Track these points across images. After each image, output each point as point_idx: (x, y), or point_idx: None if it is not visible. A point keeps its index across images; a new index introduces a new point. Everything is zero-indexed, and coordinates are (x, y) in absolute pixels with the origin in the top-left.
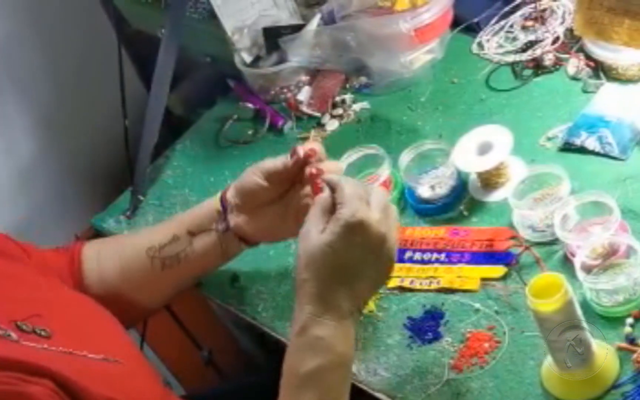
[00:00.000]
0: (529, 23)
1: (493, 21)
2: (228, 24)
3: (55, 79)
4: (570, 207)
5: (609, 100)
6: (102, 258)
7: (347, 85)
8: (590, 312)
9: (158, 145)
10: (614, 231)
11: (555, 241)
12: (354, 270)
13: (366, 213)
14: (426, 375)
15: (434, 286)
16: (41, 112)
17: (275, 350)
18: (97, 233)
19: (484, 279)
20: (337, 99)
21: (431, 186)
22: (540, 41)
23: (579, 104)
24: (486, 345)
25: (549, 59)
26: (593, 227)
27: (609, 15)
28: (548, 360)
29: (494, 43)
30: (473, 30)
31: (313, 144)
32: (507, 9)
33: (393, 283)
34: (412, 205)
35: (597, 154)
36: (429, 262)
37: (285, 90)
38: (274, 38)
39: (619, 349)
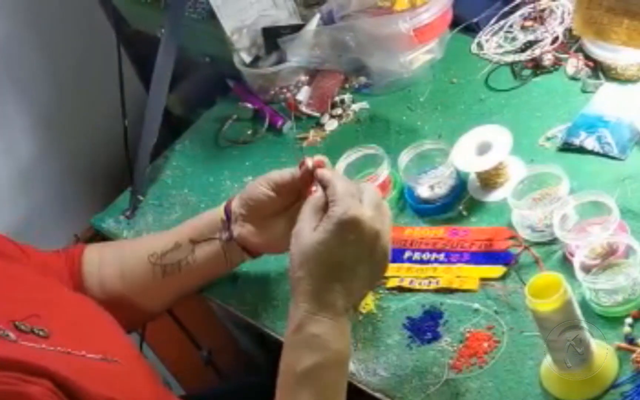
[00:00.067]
0: (528, 23)
1: (492, 21)
2: (227, 24)
3: (55, 79)
4: (570, 207)
5: (608, 100)
6: (103, 262)
7: (347, 85)
8: (590, 312)
9: (157, 145)
10: (613, 231)
11: (554, 241)
12: (348, 268)
13: (359, 210)
14: (425, 375)
15: (433, 286)
16: (41, 112)
17: (274, 351)
18: (97, 233)
19: (483, 279)
20: (337, 99)
21: (430, 186)
22: (540, 41)
23: (578, 104)
24: (485, 345)
25: (548, 59)
26: (592, 227)
27: (608, 15)
28: (547, 360)
29: (493, 43)
30: (472, 30)
31: (321, 156)
32: (506, 9)
33: (392, 283)
34: (411, 205)
35: (596, 153)
36: (428, 262)
37: (284, 90)
38: (273, 38)
39: (618, 348)
